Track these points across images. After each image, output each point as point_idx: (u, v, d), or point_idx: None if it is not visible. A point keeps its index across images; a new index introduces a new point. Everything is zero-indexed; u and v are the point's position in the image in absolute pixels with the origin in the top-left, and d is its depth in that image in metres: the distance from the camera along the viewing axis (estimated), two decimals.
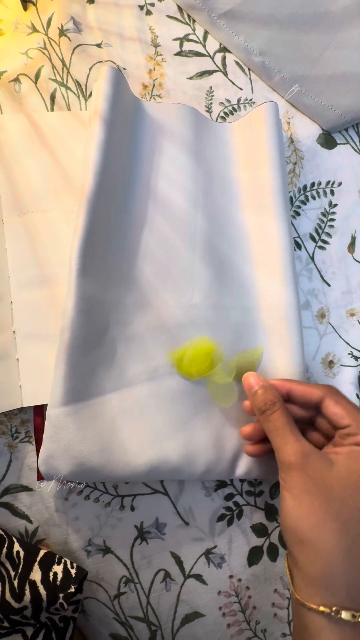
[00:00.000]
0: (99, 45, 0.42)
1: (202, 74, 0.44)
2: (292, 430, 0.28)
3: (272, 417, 0.29)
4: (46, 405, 0.32)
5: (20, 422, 0.35)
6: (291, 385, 0.31)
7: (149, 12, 0.44)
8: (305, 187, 0.43)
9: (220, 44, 0.44)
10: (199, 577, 0.35)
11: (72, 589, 0.30)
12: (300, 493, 0.26)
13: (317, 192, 0.43)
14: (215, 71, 0.44)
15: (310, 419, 0.31)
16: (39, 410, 0.34)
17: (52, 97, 0.41)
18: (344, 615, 0.24)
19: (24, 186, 0.38)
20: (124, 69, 0.43)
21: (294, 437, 0.28)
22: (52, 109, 0.40)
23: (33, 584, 0.30)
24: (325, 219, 0.43)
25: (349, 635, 0.24)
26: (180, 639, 0.34)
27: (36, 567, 0.31)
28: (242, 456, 0.33)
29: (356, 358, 0.41)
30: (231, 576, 0.35)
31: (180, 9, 0.44)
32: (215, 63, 0.44)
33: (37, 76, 0.41)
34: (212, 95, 0.44)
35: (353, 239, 0.43)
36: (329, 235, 0.43)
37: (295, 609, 0.27)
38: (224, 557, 0.35)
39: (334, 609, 0.24)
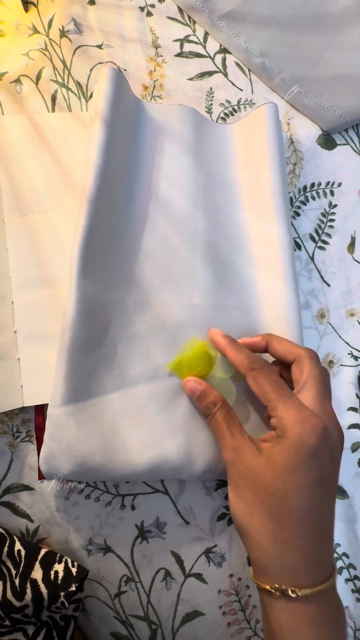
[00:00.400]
0: (99, 47, 0.43)
1: (203, 75, 0.44)
2: (228, 427, 0.30)
3: (212, 420, 0.31)
4: (47, 405, 0.33)
5: (21, 421, 0.35)
6: (228, 350, 0.32)
7: (149, 14, 0.44)
8: (305, 187, 0.43)
9: (221, 45, 0.45)
10: (199, 576, 0.35)
11: (73, 588, 0.30)
12: (235, 486, 0.28)
13: (317, 193, 0.44)
14: (215, 72, 0.44)
15: None
16: (40, 410, 0.34)
17: (53, 98, 0.41)
18: (284, 592, 0.26)
19: (25, 187, 0.38)
20: (125, 70, 0.43)
21: (228, 434, 0.29)
22: (53, 110, 0.41)
23: (34, 582, 0.30)
24: (325, 220, 0.43)
25: (290, 608, 0.26)
26: (180, 638, 0.35)
27: (37, 565, 0.31)
28: None
29: (356, 358, 0.41)
30: (231, 575, 0.35)
31: (180, 10, 0.45)
32: (215, 64, 0.44)
33: (38, 77, 0.41)
34: (213, 96, 0.44)
35: (353, 239, 0.43)
36: (328, 235, 0.43)
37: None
38: (224, 556, 0.35)
39: (275, 585, 0.26)
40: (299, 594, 0.26)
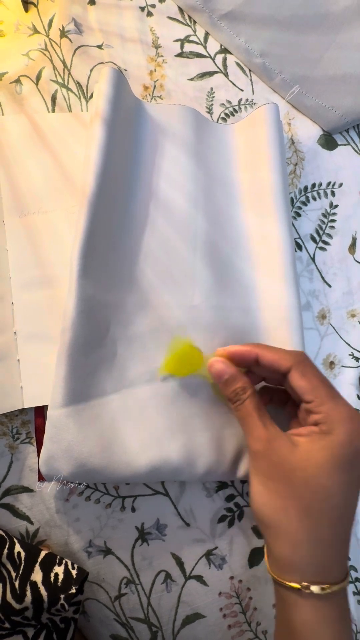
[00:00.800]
0: (100, 47, 0.43)
1: (203, 75, 0.44)
2: (260, 416, 0.28)
3: (240, 406, 0.29)
4: (47, 406, 0.32)
5: (21, 423, 0.35)
6: (260, 352, 0.30)
7: (149, 14, 0.44)
8: (306, 188, 0.43)
9: (221, 45, 0.45)
10: (199, 578, 0.35)
11: (73, 590, 0.30)
12: (264, 479, 0.27)
13: (318, 193, 0.43)
14: (216, 72, 0.44)
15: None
16: (40, 411, 0.34)
17: (53, 98, 0.41)
18: (313, 589, 0.25)
19: (25, 187, 0.38)
20: (125, 70, 0.43)
21: (260, 424, 0.28)
22: (53, 110, 0.41)
23: (34, 585, 0.30)
24: (326, 220, 0.43)
25: (318, 605, 0.25)
26: None
27: (37, 568, 0.31)
28: (243, 457, 0.33)
29: (357, 359, 0.41)
30: (232, 577, 0.35)
31: (181, 10, 0.44)
32: (216, 64, 0.44)
33: (38, 77, 0.41)
34: (213, 97, 0.44)
35: (354, 240, 0.43)
36: (329, 236, 0.43)
37: (274, 584, 0.28)
38: (225, 558, 0.35)
39: (303, 584, 0.25)
40: (328, 591, 0.25)
